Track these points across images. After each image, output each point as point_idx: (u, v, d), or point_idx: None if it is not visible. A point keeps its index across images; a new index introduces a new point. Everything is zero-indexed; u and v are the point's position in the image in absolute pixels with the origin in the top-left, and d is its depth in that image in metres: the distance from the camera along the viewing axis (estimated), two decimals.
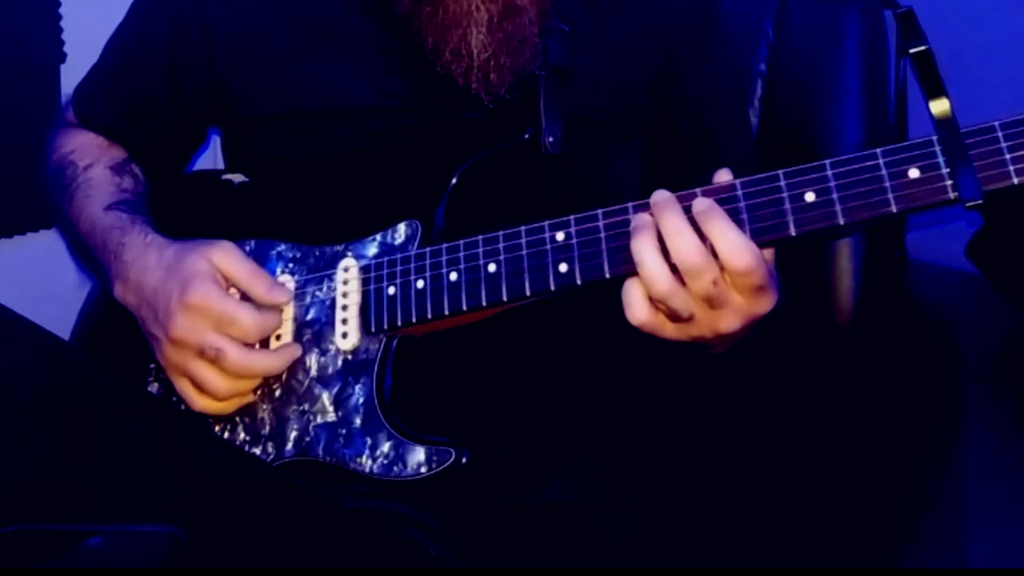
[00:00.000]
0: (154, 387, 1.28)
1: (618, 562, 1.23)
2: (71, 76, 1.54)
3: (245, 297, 1.23)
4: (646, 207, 1.07)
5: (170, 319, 1.20)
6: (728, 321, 1.06)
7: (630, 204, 1.08)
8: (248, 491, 1.00)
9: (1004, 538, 1.30)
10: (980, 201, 0.96)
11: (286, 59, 1.33)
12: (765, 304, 1.06)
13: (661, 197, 1.05)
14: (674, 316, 1.05)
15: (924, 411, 1.50)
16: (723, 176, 1.06)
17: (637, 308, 1.06)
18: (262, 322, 1.20)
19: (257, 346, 1.23)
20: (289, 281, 1.26)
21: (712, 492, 1.37)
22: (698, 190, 1.06)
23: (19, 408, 1.06)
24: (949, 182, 0.97)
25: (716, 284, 1.02)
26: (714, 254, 1.02)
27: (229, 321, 1.19)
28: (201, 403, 1.21)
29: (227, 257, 1.22)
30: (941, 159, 0.98)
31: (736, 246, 1.01)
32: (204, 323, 1.19)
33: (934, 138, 0.98)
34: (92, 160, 1.41)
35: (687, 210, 1.04)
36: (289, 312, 1.25)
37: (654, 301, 1.05)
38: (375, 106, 1.32)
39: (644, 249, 1.03)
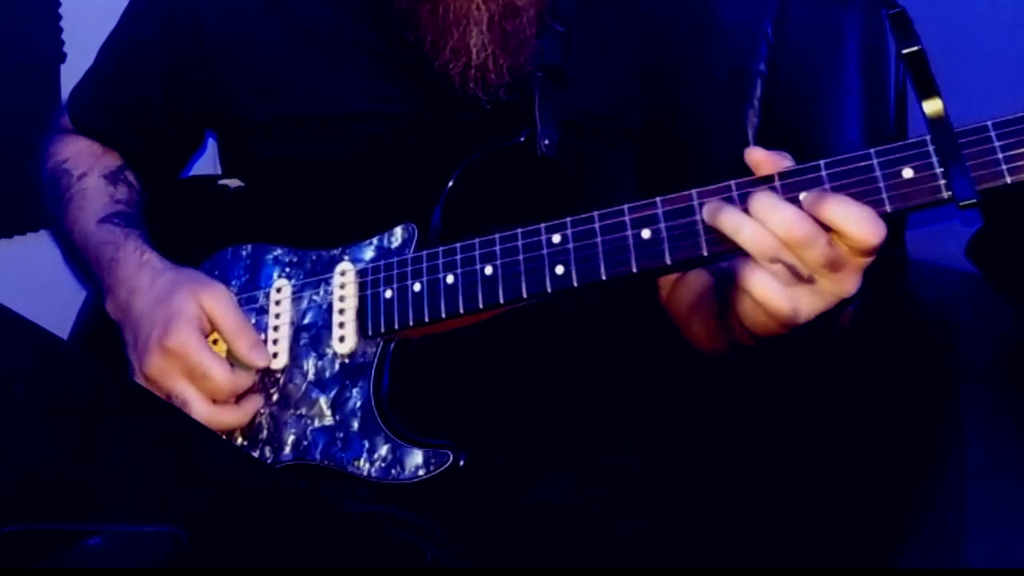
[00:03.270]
0: None
1: (617, 563, 1.23)
2: (71, 76, 1.54)
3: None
4: (642, 208, 1.07)
5: (147, 354, 1.20)
6: (852, 282, 1.01)
7: (625, 206, 1.08)
8: (248, 491, 1.00)
9: (1004, 538, 1.30)
10: (974, 201, 0.96)
11: (279, 65, 1.33)
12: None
13: (759, 192, 1.00)
14: (795, 273, 0.99)
15: (924, 411, 1.50)
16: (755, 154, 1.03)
17: (770, 288, 1.00)
18: (234, 381, 1.20)
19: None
20: (286, 285, 1.26)
21: (712, 492, 1.37)
22: (693, 191, 1.06)
23: (19, 408, 1.06)
24: (943, 182, 0.97)
25: (832, 244, 0.98)
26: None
27: (201, 375, 1.19)
28: None
29: (217, 304, 1.21)
30: (935, 159, 0.97)
31: (861, 222, 0.96)
32: (176, 369, 1.19)
33: (927, 138, 0.98)
34: (86, 169, 1.40)
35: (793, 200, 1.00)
36: (286, 317, 1.25)
37: (769, 269, 1.00)
38: (370, 110, 1.31)
39: (732, 217, 0.99)
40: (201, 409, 1.19)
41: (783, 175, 1.03)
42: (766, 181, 1.03)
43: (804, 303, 1.02)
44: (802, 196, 1.00)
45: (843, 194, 0.98)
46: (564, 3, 1.31)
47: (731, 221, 1.00)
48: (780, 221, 0.98)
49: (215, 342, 1.24)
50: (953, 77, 1.10)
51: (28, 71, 1.73)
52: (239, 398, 1.23)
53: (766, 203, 0.99)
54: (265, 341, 1.24)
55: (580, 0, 1.33)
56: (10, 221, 1.76)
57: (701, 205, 1.04)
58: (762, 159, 1.03)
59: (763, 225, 0.99)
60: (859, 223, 0.97)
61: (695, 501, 1.33)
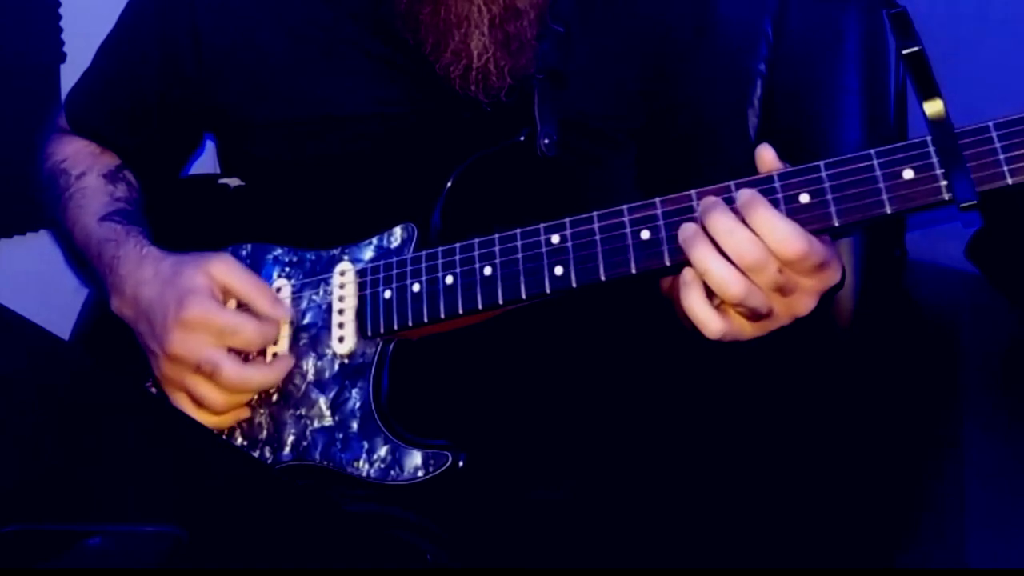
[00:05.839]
0: (152, 391, 1.28)
1: (616, 563, 1.23)
2: (71, 76, 1.54)
3: (244, 307, 1.23)
4: (641, 209, 1.07)
5: (167, 335, 1.20)
6: (804, 303, 1.04)
7: (625, 207, 1.08)
8: (248, 491, 1.00)
9: (1004, 538, 1.31)
10: (974, 202, 0.96)
11: (277, 68, 1.33)
12: (833, 275, 1.04)
13: (708, 201, 1.03)
14: (754, 315, 1.03)
15: (924, 411, 1.50)
16: (765, 153, 1.04)
17: (712, 322, 1.03)
18: (264, 331, 1.20)
19: (254, 356, 1.23)
20: (286, 285, 1.26)
21: (713, 492, 1.37)
22: (692, 191, 1.06)
23: (19, 408, 1.06)
24: (943, 183, 0.97)
25: (782, 271, 1.00)
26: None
27: (232, 331, 1.18)
28: (199, 418, 1.21)
29: (227, 269, 1.21)
30: (935, 160, 0.97)
31: (783, 236, 0.99)
32: (201, 338, 1.18)
33: (928, 139, 0.98)
34: (85, 168, 1.40)
35: (728, 202, 1.02)
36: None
37: (725, 306, 1.03)
38: (369, 112, 1.31)
39: (706, 257, 1.00)
40: (232, 369, 1.18)
41: (783, 176, 1.03)
42: (765, 182, 1.03)
43: (746, 328, 1.05)
44: (739, 193, 1.02)
45: (774, 208, 1.00)
46: (564, 4, 1.31)
47: (700, 262, 1.01)
48: (734, 245, 1.00)
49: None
50: (954, 77, 1.10)
51: (28, 71, 1.73)
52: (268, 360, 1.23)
53: (724, 227, 1.00)
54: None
55: (580, 1, 1.33)
56: (10, 221, 1.76)
57: (700, 205, 1.04)
58: (769, 159, 1.04)
59: (725, 260, 1.00)
60: (779, 236, 0.99)
61: (695, 501, 1.33)
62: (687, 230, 1.02)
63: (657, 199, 1.07)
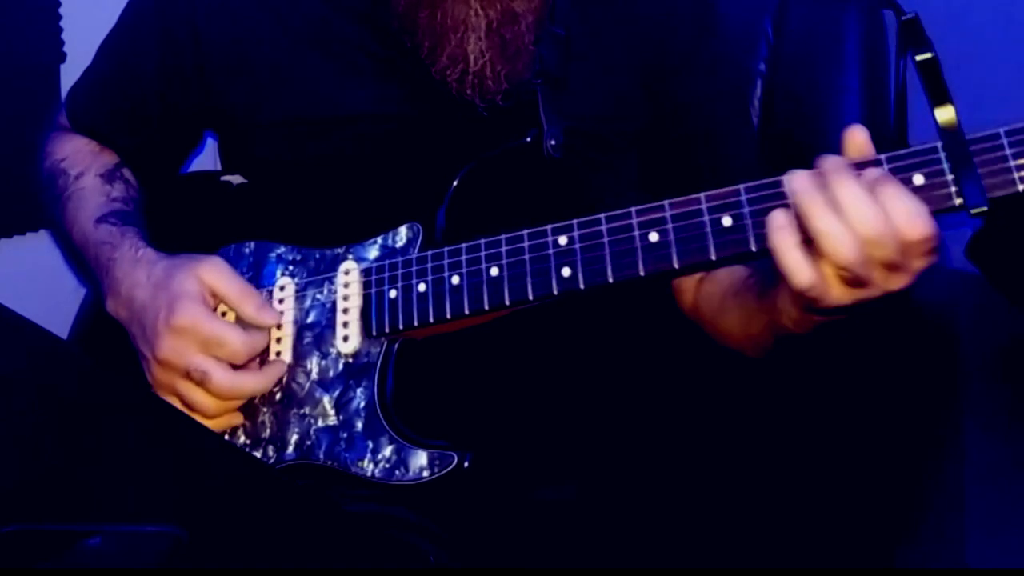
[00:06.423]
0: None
1: (621, 563, 1.23)
2: (71, 76, 1.54)
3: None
4: (649, 212, 1.07)
5: (157, 339, 1.20)
6: (902, 281, 1.01)
7: (633, 209, 1.08)
8: (248, 491, 1.00)
9: (1004, 538, 1.31)
10: (985, 208, 0.96)
11: (278, 67, 1.33)
12: (934, 259, 1.02)
13: (832, 163, 0.99)
14: (855, 282, 0.99)
15: (924, 411, 1.50)
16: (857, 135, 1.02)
17: (802, 272, 0.99)
18: (250, 342, 1.20)
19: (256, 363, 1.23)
20: (289, 283, 1.26)
21: (713, 492, 1.37)
22: (702, 195, 1.05)
23: (18, 408, 1.06)
24: (954, 189, 0.98)
25: (900, 249, 0.98)
26: None
27: (217, 343, 1.19)
28: None
29: (217, 274, 1.22)
30: (946, 166, 0.98)
31: (913, 214, 0.96)
32: (190, 345, 1.19)
33: (939, 145, 0.98)
34: (83, 168, 1.41)
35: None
36: (289, 315, 1.25)
37: (821, 261, 0.99)
38: (371, 112, 1.31)
39: (824, 217, 0.97)
40: (223, 377, 1.19)
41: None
42: (774, 186, 1.03)
43: (835, 291, 1.01)
44: (867, 171, 0.99)
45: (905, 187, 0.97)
46: (563, 7, 1.30)
47: (814, 219, 0.98)
48: (860, 216, 0.97)
49: (223, 314, 1.24)
50: (964, 83, 1.10)
51: (28, 71, 1.72)
52: (261, 364, 1.23)
53: (852, 195, 0.97)
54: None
55: (579, 3, 1.32)
56: (10, 221, 1.76)
57: (709, 209, 1.05)
58: (860, 141, 1.02)
59: (846, 222, 0.97)
60: (908, 214, 0.96)
61: (696, 501, 1.33)
62: (801, 180, 0.99)
63: (666, 202, 1.07)
